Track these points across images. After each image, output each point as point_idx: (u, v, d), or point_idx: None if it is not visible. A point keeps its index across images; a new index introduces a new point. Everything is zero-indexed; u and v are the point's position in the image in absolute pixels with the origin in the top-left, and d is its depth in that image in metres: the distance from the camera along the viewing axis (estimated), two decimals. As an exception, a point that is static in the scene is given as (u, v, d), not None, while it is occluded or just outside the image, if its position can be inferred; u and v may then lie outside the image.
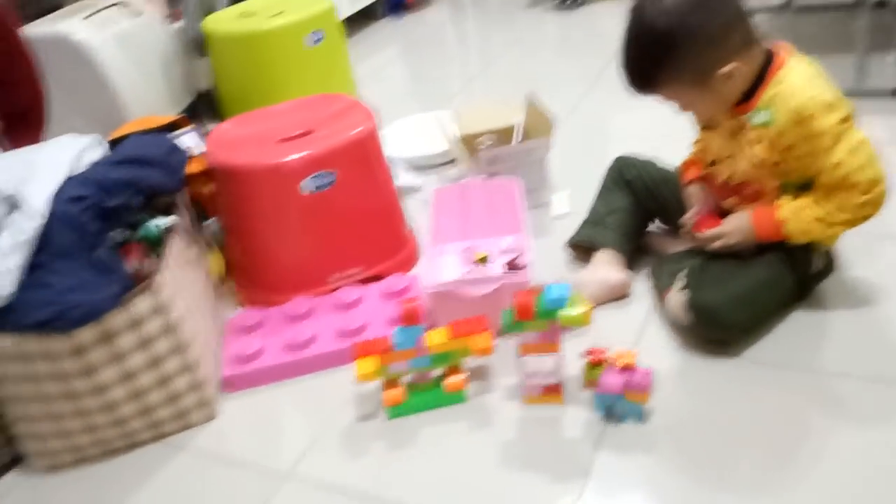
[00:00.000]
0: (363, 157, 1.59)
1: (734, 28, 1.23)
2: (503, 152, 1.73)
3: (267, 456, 1.27)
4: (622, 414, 1.19)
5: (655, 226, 1.60)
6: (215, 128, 1.76)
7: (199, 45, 2.45)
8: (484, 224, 1.67)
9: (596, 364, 1.20)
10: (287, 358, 1.42)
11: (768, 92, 1.26)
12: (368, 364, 1.25)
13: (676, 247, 1.48)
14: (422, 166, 2.06)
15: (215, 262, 1.68)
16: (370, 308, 1.52)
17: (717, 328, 1.28)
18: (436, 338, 1.28)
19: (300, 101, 1.78)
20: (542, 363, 1.22)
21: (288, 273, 1.60)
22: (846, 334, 1.30)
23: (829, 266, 1.37)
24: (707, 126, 1.40)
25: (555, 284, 1.18)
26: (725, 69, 1.22)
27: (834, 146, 1.21)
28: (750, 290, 1.28)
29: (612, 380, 1.17)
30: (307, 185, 1.51)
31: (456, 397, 1.29)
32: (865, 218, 1.25)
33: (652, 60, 1.24)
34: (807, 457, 1.09)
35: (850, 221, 1.25)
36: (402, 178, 1.94)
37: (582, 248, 1.56)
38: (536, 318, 1.18)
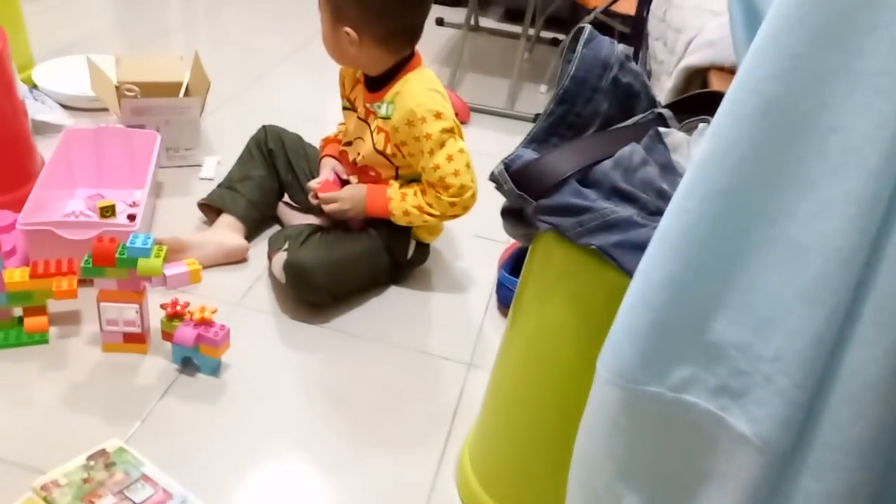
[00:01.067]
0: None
1: (392, 16, 1.36)
2: (151, 104, 1.71)
3: None
4: (199, 366, 1.25)
5: (287, 200, 1.69)
6: None
7: None
8: (118, 174, 1.64)
9: (173, 317, 1.25)
10: None
11: (395, 88, 1.40)
12: (-75, 294, 1.18)
13: (302, 220, 1.58)
14: (75, 107, 1.96)
15: None
16: None
17: (307, 288, 1.39)
18: (15, 275, 1.24)
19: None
20: (122, 312, 1.23)
21: None
22: (420, 315, 1.48)
23: (422, 256, 1.56)
24: (347, 107, 1.52)
25: (140, 234, 1.21)
26: (350, 30, 1.35)
27: (436, 150, 1.37)
28: (342, 258, 1.42)
29: (186, 333, 1.22)
30: None
31: (37, 338, 1.27)
32: (454, 216, 1.43)
33: None
34: (370, 414, 1.23)
35: (441, 216, 1.43)
36: (47, 114, 1.83)
37: (212, 210, 1.60)
38: (117, 266, 1.19)
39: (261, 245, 1.58)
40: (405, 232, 1.48)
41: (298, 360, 1.33)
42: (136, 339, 1.27)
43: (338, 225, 1.47)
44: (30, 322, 1.27)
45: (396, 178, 1.45)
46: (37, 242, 1.33)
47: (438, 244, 1.66)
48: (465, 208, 1.42)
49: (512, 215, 0.87)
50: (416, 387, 1.30)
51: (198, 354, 1.24)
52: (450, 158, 1.38)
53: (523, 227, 0.86)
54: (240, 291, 1.46)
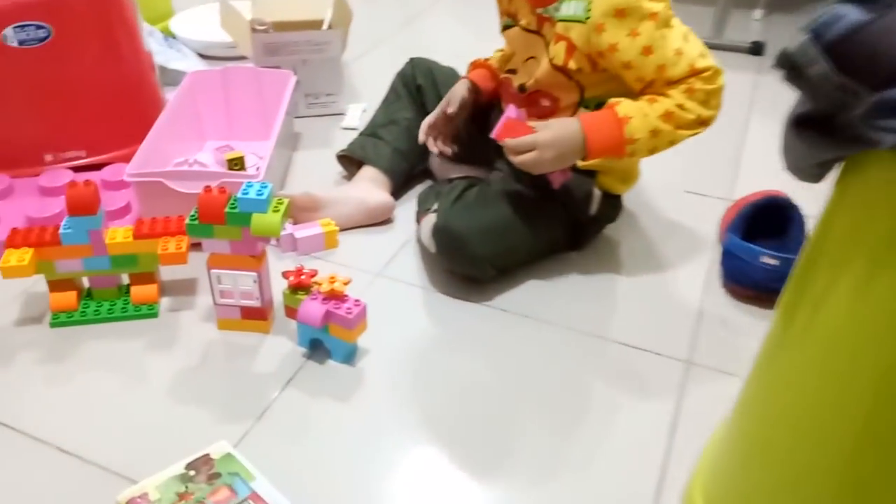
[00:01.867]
0: (95, 19, 1.29)
1: None
2: (284, 39, 1.47)
3: None
4: (329, 351, 0.99)
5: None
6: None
7: None
8: (249, 122, 1.42)
9: (297, 288, 0.99)
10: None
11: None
12: (16, 256, 0.99)
13: (459, 173, 1.28)
14: (212, 55, 1.77)
15: None
16: (20, 203, 1.25)
17: (463, 259, 1.09)
18: (118, 235, 1.03)
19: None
20: (237, 281, 0.99)
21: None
22: (611, 292, 1.14)
23: (611, 211, 1.21)
24: (509, 25, 1.18)
25: (255, 182, 0.95)
26: None
27: (667, 34, 1.00)
28: (507, 220, 1.10)
29: (311, 309, 0.96)
30: (10, 35, 1.21)
31: (145, 311, 1.06)
32: (708, 119, 1.03)
33: None
34: (549, 421, 0.92)
35: (696, 120, 1.01)
36: (181, 62, 1.65)
37: (353, 162, 1.34)
38: (227, 222, 0.94)
39: (409, 203, 1.30)
40: (587, 179, 1.13)
41: (453, 346, 1.03)
42: (256, 315, 1.02)
43: (514, 178, 1.14)
44: (137, 291, 1.06)
45: (580, 104, 1.10)
46: (146, 197, 1.12)
47: (631, 203, 1.30)
48: (718, 106, 1.03)
49: (814, 125, 0.51)
50: (612, 387, 0.97)
51: (327, 336, 0.98)
52: (686, 38, 1.02)
53: (832, 145, 0.50)
54: (382, 259, 1.19)
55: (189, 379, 0.97)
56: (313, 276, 0.99)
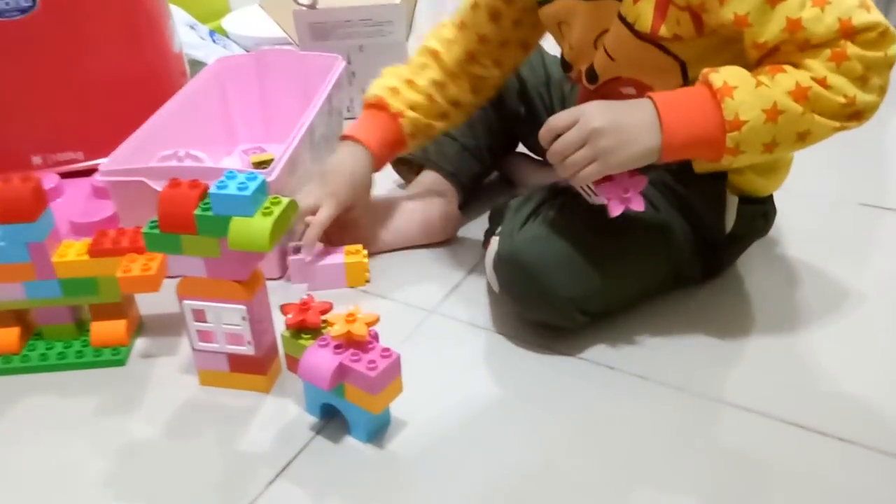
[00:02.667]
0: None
1: None
2: (333, 18, 1.19)
3: None
4: (348, 424, 0.67)
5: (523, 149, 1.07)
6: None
7: None
8: (285, 117, 1.14)
9: (300, 329, 0.67)
10: None
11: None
12: (-76, 278, 0.72)
13: (546, 178, 0.95)
14: (262, 50, 1.52)
15: None
16: (67, 206, 1.00)
17: (538, 302, 0.74)
18: (70, 252, 0.75)
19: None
20: (220, 317, 0.69)
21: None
22: (744, 345, 0.77)
23: (757, 225, 0.84)
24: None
25: (240, 172, 0.65)
26: None
27: None
28: (595, 249, 0.74)
29: (318, 361, 0.64)
30: (-13, 4, 0.97)
31: (107, 356, 0.77)
32: (870, 105, 0.66)
33: None
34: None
35: (853, 107, 0.65)
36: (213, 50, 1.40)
37: (411, 168, 1.03)
38: (199, 230, 0.64)
39: (481, 220, 0.98)
40: (715, 182, 0.77)
41: (530, 419, 0.69)
42: (249, 367, 0.71)
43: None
44: (99, 330, 0.78)
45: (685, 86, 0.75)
46: (126, 202, 0.85)
47: (782, 217, 0.93)
48: (883, 87, 0.66)
49: None
50: (787, 488, 0.60)
51: (343, 402, 0.65)
52: None
53: None
54: (438, 291, 0.86)
55: (150, 459, 0.66)
56: (324, 311, 0.67)
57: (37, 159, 1.07)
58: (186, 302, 0.68)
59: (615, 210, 0.70)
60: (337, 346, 0.64)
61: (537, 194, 0.80)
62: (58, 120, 1.06)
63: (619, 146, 0.67)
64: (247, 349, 0.70)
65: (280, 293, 0.83)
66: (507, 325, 0.80)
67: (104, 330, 0.78)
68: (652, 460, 0.64)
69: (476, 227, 0.97)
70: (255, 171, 0.67)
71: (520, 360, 0.76)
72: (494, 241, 0.78)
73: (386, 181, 1.08)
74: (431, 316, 0.83)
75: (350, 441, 0.67)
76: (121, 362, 0.77)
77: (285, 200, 0.65)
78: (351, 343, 0.64)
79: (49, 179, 1.02)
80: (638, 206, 0.70)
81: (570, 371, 0.74)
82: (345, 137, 0.88)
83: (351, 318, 0.64)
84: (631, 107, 0.69)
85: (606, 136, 0.67)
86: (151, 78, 1.13)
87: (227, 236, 0.62)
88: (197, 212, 0.64)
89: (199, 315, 0.69)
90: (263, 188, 0.64)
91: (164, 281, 0.74)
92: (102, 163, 0.84)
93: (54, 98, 1.05)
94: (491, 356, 0.77)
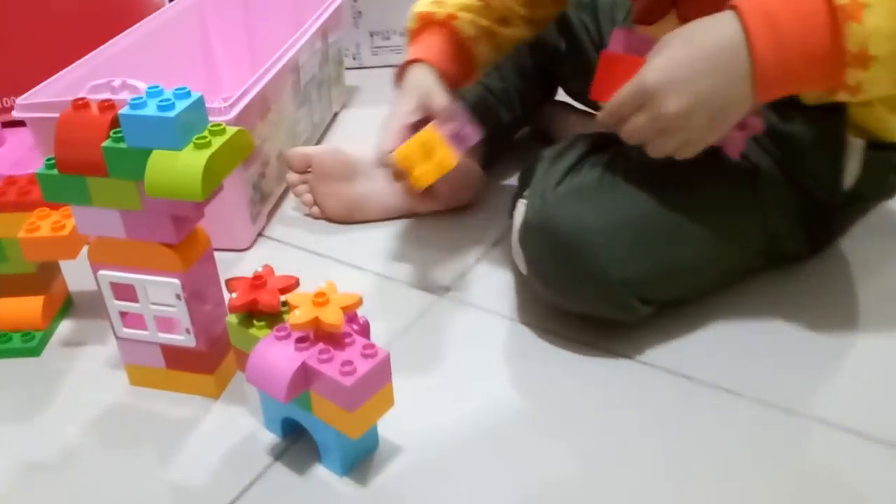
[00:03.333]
0: None
1: None
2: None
3: None
4: (318, 449, 0.48)
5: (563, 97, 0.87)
6: None
7: None
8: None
9: (249, 311, 0.48)
10: None
11: None
12: None
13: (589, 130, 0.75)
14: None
15: None
16: (5, 157, 0.82)
17: (583, 286, 0.54)
18: (-37, 203, 0.57)
19: None
20: (146, 294, 0.50)
21: None
22: (847, 349, 0.56)
23: (883, 179, 0.61)
24: None
25: (167, 90, 0.46)
26: None
27: None
28: (658, 216, 0.54)
29: (273, 360, 0.44)
30: None
31: (17, 343, 0.59)
32: None
33: None
34: None
35: None
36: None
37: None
38: (111, 172, 0.46)
39: (509, 183, 0.79)
40: (830, 117, 0.56)
41: (574, 439, 0.49)
42: (191, 363, 0.53)
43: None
44: (7, 309, 0.60)
45: None
46: (48, 143, 0.66)
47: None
48: None
49: None
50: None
51: (308, 417, 0.46)
52: None
53: None
54: (452, 267, 0.67)
55: (46, 485, 0.48)
56: (286, 288, 0.48)
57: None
58: (102, 272, 0.50)
59: (732, 148, 0.54)
60: (300, 340, 0.45)
61: (580, 142, 0.61)
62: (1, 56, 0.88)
63: (708, 126, 0.50)
64: (185, 339, 0.51)
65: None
66: (540, 315, 0.60)
67: (14, 309, 0.60)
68: (731, 493, 0.44)
69: (503, 193, 0.77)
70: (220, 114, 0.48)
71: (556, 361, 0.56)
72: (522, 204, 0.58)
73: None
74: (439, 301, 0.63)
75: (320, 472, 0.48)
76: (33, 352, 0.59)
77: (231, 130, 0.45)
78: (320, 335, 0.45)
79: (-15, 125, 0.85)
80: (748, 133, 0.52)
81: (625, 378, 0.54)
82: (399, 71, 0.66)
83: (321, 298, 0.45)
84: (706, 46, 0.48)
85: (689, 119, 0.49)
86: (119, 9, 0.95)
87: (145, 177, 0.43)
88: (106, 143, 0.45)
89: (122, 292, 0.51)
90: (199, 109, 0.45)
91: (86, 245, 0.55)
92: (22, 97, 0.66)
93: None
94: (517, 356, 0.57)
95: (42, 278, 0.60)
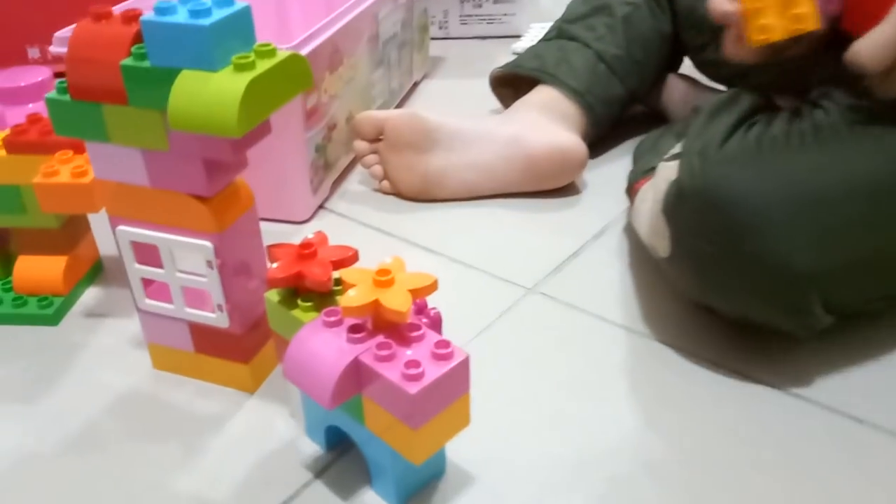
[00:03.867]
0: None
1: None
2: None
3: None
4: (369, 470, 0.38)
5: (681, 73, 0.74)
6: None
7: None
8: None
9: (293, 288, 0.38)
10: None
11: None
12: None
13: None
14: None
15: None
16: None
17: (750, 278, 0.41)
18: (-20, 141, 0.49)
19: None
20: (173, 260, 0.41)
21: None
22: None
23: None
24: None
25: (206, -5, 0.36)
26: None
27: None
28: (871, 187, 0.41)
29: (320, 352, 0.34)
30: None
31: (33, 309, 0.50)
32: None
33: None
34: None
35: None
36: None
37: (518, 88, 0.73)
38: (131, 100, 0.36)
39: (615, 164, 0.67)
40: None
41: (706, 495, 0.37)
42: (223, 348, 0.43)
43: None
44: (24, 268, 0.51)
45: None
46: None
47: None
48: None
49: None
50: None
51: (359, 429, 0.36)
52: None
53: None
54: (547, 260, 0.56)
55: (44, 478, 0.39)
56: (341, 262, 0.37)
57: (33, 52, 0.83)
58: (121, 228, 0.41)
59: None
60: (354, 329, 0.34)
61: (745, 96, 0.48)
62: (49, 7, 0.81)
63: None
64: (216, 318, 0.41)
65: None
66: (661, 324, 0.48)
67: (32, 269, 0.51)
68: None
69: (606, 176, 0.65)
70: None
71: (682, 386, 0.44)
72: (666, 167, 0.46)
73: (482, 110, 0.79)
74: (528, 297, 0.52)
75: (369, 498, 0.38)
76: (50, 320, 0.50)
77: (283, 53, 0.35)
78: (380, 325, 0.34)
79: (38, 73, 0.78)
80: None
81: (779, 415, 0.42)
82: None
83: (384, 277, 0.34)
84: None
85: None
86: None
87: (168, 104, 0.34)
88: (125, 61, 0.35)
89: (146, 254, 0.42)
90: (244, 22, 0.35)
91: (112, 198, 0.46)
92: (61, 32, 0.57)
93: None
94: (629, 374, 0.45)
95: (67, 235, 0.52)
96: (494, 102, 0.77)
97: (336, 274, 0.37)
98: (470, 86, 0.87)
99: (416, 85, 0.88)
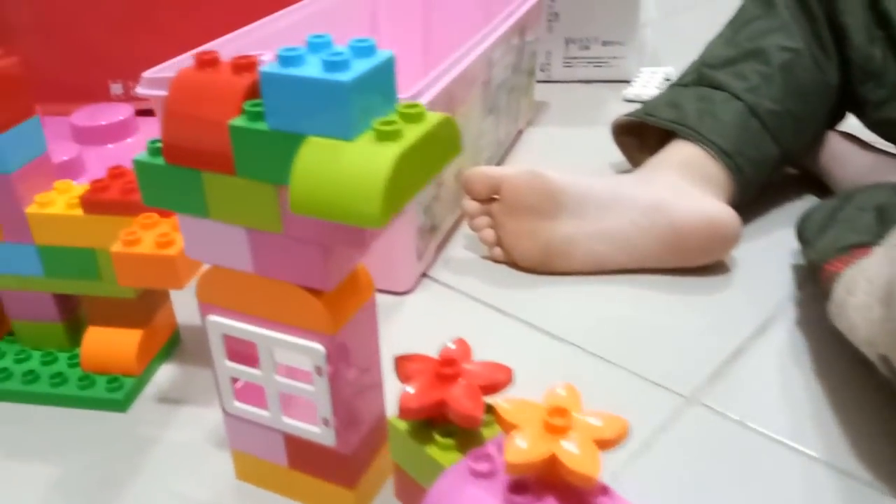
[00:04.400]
0: None
1: None
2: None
3: None
4: None
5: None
6: None
7: None
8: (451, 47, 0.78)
9: (429, 420, 0.29)
10: None
11: None
12: None
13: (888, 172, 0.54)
14: None
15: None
16: (137, 149, 0.70)
17: None
18: (58, 200, 0.42)
19: None
20: (271, 357, 0.33)
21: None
22: None
23: None
24: None
25: (339, 45, 0.28)
26: None
27: None
28: None
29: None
30: None
31: (101, 392, 0.43)
32: None
33: None
34: None
35: None
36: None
37: (643, 143, 0.64)
38: (238, 169, 0.29)
39: (768, 232, 0.58)
40: None
41: None
42: (324, 468, 0.35)
43: None
44: (93, 342, 0.45)
45: None
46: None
47: None
48: None
49: None
50: None
51: None
52: None
53: None
54: (702, 363, 0.46)
55: None
56: (493, 386, 0.29)
57: (116, 87, 0.78)
58: (213, 318, 0.33)
59: None
60: (516, 488, 0.25)
61: None
62: (136, 40, 0.77)
63: None
64: (321, 434, 0.33)
65: (406, 330, 0.47)
66: (877, 457, 0.38)
67: (103, 343, 0.44)
68: None
69: (758, 248, 0.56)
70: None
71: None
72: (876, 256, 0.37)
73: (599, 165, 0.70)
74: (689, 408, 0.43)
75: None
76: (119, 405, 0.43)
77: (435, 116, 0.27)
78: (550, 484, 0.26)
79: (119, 111, 0.72)
80: None
81: None
82: None
83: (559, 418, 0.25)
84: None
85: None
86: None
87: (290, 180, 0.26)
88: (235, 120, 0.28)
89: (237, 349, 0.34)
90: (387, 76, 0.27)
91: (199, 270, 0.39)
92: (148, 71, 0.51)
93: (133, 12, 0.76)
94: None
95: (144, 306, 0.45)
96: (609, 154, 0.69)
97: (486, 398, 0.29)
98: (578, 134, 0.79)
99: (519, 133, 0.80)
